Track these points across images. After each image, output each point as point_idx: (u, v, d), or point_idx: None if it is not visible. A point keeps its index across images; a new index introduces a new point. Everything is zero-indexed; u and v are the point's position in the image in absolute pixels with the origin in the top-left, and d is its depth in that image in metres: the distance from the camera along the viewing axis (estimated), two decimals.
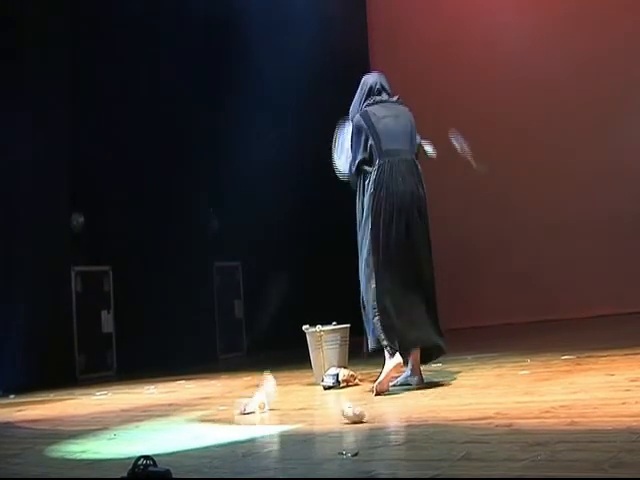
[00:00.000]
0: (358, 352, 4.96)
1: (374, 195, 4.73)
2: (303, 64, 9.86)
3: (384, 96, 5.01)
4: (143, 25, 9.18)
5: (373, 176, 4.77)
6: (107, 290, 9.18)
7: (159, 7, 9.45)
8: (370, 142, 4.85)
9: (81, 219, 8.96)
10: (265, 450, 3.33)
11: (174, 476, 2.58)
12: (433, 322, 4.71)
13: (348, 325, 5.73)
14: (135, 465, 2.58)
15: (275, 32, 9.71)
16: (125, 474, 2.59)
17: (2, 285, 8.25)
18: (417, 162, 4.90)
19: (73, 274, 8.79)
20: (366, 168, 4.83)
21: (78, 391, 7.17)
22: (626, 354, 4.95)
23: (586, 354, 5.24)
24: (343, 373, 5.22)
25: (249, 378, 6.70)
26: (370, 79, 5.12)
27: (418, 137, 5.02)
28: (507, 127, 10.21)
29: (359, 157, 4.87)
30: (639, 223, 9.24)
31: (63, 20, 8.77)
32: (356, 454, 2.84)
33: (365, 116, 4.91)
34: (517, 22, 10.15)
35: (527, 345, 6.59)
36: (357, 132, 4.93)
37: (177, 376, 7.48)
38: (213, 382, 6.87)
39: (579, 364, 4.84)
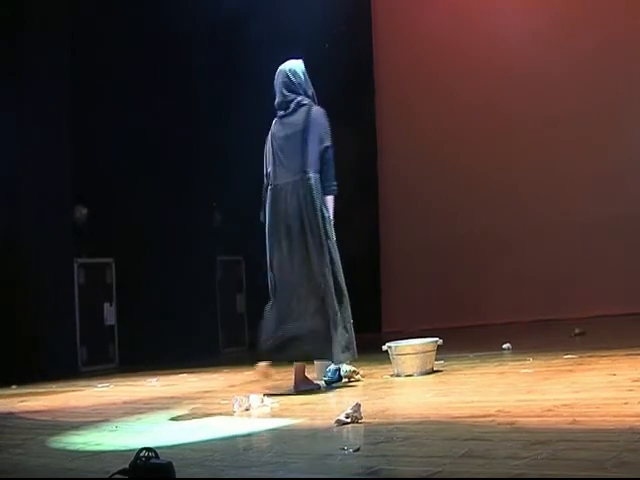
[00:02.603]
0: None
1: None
2: (306, 67, 9.81)
3: (284, 107, 5.10)
4: (145, 24, 9.20)
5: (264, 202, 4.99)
6: (110, 282, 9.19)
7: (162, 12, 9.45)
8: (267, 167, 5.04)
9: (84, 211, 8.96)
10: (266, 444, 3.34)
11: (176, 468, 2.59)
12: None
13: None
14: (137, 457, 2.59)
15: (277, 35, 9.65)
16: (127, 466, 2.59)
17: (4, 276, 8.25)
18: (309, 176, 4.83)
19: (76, 266, 8.79)
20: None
21: (80, 383, 7.19)
22: (628, 354, 4.94)
23: (588, 354, 5.24)
24: (345, 369, 5.22)
25: (251, 372, 6.70)
26: (276, 87, 5.18)
27: (326, 141, 4.93)
28: (510, 126, 10.16)
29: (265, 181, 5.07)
30: None
31: (63, 19, 8.78)
32: (358, 449, 2.84)
33: (270, 137, 5.07)
34: (522, 21, 10.10)
35: (529, 344, 6.58)
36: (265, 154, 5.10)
37: (179, 369, 7.49)
38: (215, 376, 6.87)
39: (581, 363, 4.83)
